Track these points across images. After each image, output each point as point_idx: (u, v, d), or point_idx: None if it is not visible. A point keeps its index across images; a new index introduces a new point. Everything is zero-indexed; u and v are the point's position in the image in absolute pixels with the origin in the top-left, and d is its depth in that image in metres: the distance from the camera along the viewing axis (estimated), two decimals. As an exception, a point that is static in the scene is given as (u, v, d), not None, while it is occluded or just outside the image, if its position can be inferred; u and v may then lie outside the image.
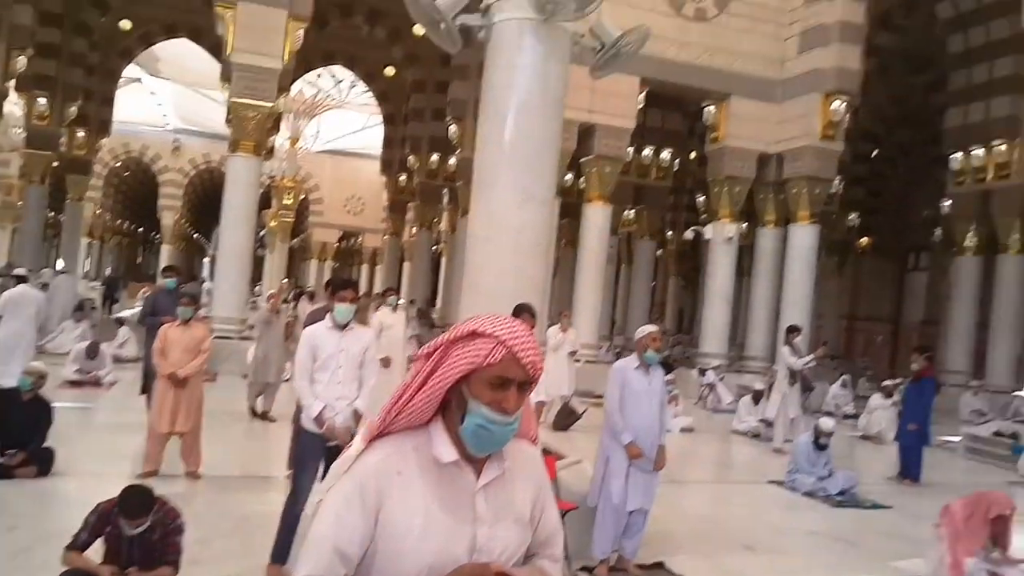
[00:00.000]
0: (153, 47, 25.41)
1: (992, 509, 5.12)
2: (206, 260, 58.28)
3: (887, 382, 13.30)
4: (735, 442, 11.58)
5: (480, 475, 1.42)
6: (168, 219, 39.72)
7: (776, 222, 16.26)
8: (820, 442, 8.23)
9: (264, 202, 22.03)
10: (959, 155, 17.00)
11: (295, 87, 24.28)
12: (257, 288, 27.47)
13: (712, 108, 15.76)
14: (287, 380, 8.90)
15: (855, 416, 13.78)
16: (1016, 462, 10.25)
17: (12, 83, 16.76)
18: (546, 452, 4.71)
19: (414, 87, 23.89)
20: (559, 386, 10.50)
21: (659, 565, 5.26)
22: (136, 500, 3.57)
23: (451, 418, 1.41)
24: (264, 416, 9.29)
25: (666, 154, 19.86)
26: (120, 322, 14.54)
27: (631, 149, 16.85)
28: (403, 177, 26.77)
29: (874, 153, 25.03)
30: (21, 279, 10.07)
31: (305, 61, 21.86)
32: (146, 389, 7.62)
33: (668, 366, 10.94)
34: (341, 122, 35.50)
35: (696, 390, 15.14)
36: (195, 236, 56.84)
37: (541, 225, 6.17)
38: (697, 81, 15.19)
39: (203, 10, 17.92)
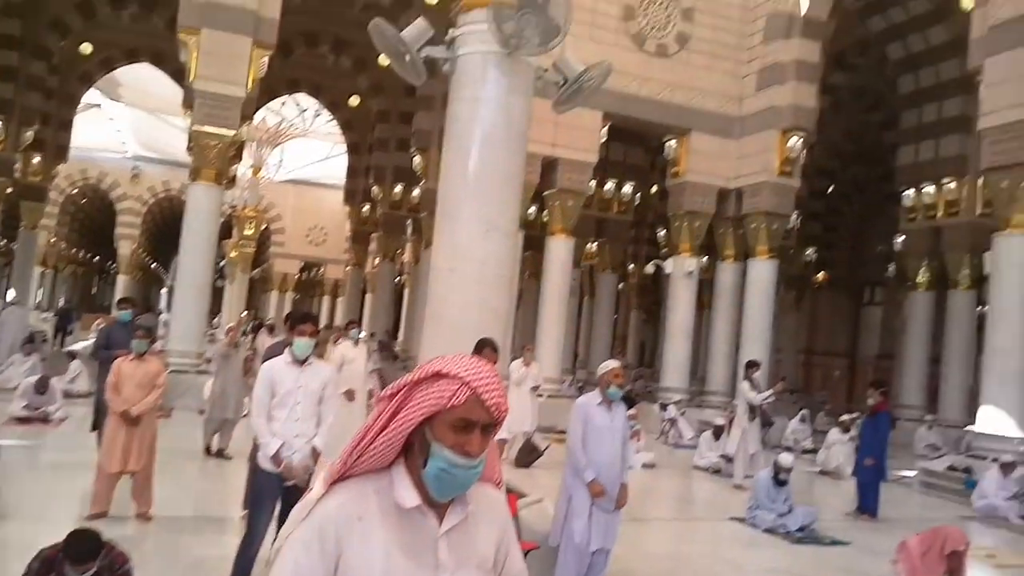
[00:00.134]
0: (114, 72, 25.10)
1: (948, 545, 5.17)
2: (164, 291, 57.18)
3: (844, 417, 13.46)
4: (696, 478, 11.58)
5: (443, 520, 1.37)
6: (125, 248, 38.93)
7: (736, 256, 16.49)
8: (780, 478, 8.25)
9: (225, 232, 21.75)
10: (911, 192, 17.48)
11: (258, 115, 24.15)
12: (216, 320, 27.00)
13: (673, 143, 16.02)
14: (245, 416, 8.70)
15: (814, 451, 13.90)
16: (969, 496, 10.39)
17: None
18: (508, 490, 4.64)
19: (379, 117, 23.93)
20: (521, 422, 10.42)
21: (622, 604, 5.20)
22: (82, 545, 3.41)
23: (414, 461, 1.37)
24: (220, 454, 9.04)
25: (628, 188, 20.11)
26: (72, 355, 14.12)
27: (593, 183, 17.02)
28: (367, 207, 26.66)
29: (830, 189, 25.64)
30: (-33, 309, 9.76)
31: (269, 89, 21.78)
32: (97, 426, 7.37)
33: (630, 400, 10.94)
34: (305, 151, 35.31)
35: (657, 425, 15.16)
36: (153, 266, 55.84)
37: (505, 257, 6.17)
38: (658, 116, 15.44)
39: (166, 36, 17.79)
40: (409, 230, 23.32)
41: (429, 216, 16.43)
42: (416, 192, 21.04)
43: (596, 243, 21.40)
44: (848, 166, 25.12)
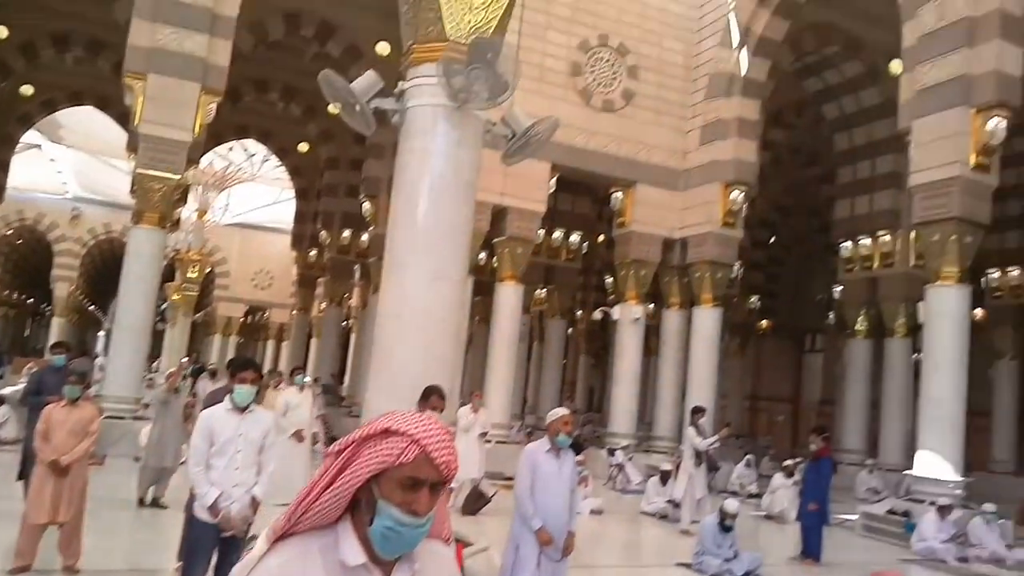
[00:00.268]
0: (56, 114, 24.67)
1: (888, 588, 5.27)
2: (101, 334, 55.47)
3: (788, 461, 13.67)
4: (643, 524, 11.60)
5: (389, 578, 1.36)
6: (62, 290, 37.72)
7: (681, 304, 16.79)
8: (725, 523, 8.33)
9: (168, 275, 21.33)
10: (848, 244, 18.09)
11: (205, 159, 23.93)
12: (155, 364, 26.27)
13: (619, 194, 16.36)
14: (183, 463, 8.45)
15: (759, 495, 14.05)
16: (909, 539, 10.61)
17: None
18: (455, 540, 4.61)
19: (328, 164, 23.91)
20: (468, 469, 10.32)
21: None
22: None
23: (360, 518, 1.35)
24: (155, 503, 8.74)
25: (576, 236, 20.39)
26: (0, 400, 13.57)
27: (542, 231, 17.26)
28: (314, 252, 26.47)
29: (771, 240, 26.39)
30: None
31: (217, 134, 21.64)
32: (24, 475, 7.08)
33: (579, 446, 10.96)
34: (252, 195, 35.05)
35: (605, 470, 15.17)
36: (90, 308, 54.19)
37: (452, 304, 6.20)
38: (605, 168, 15.79)
39: (112, 79, 17.61)
40: (357, 275, 23.19)
41: (378, 261, 16.41)
42: (365, 237, 20.99)
43: (545, 289, 21.58)
44: (788, 218, 25.95)
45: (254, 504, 4.35)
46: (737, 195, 15.38)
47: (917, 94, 11.38)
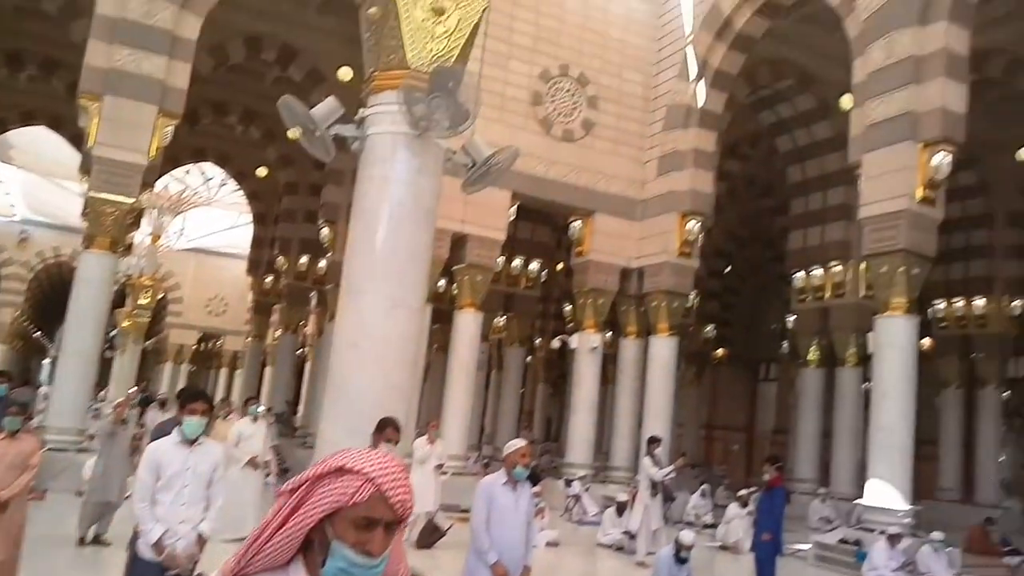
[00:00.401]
0: (5, 134, 24.10)
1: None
2: (46, 362, 53.76)
3: (742, 491, 13.75)
4: (600, 555, 11.53)
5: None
6: (6, 316, 36.54)
7: (638, 333, 16.90)
8: (681, 555, 8.29)
9: (118, 300, 20.81)
10: (801, 274, 18.43)
11: (161, 182, 23.54)
12: (102, 394, 25.51)
13: (578, 223, 16.48)
14: (128, 498, 8.17)
15: (714, 525, 14.09)
16: (860, 568, 10.71)
17: None
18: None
19: (287, 189, 23.70)
20: (424, 501, 10.17)
21: None
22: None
23: (313, 558, 1.31)
24: (97, 540, 8.40)
25: (535, 265, 20.45)
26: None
27: (502, 259, 17.28)
28: (270, 278, 26.10)
29: (727, 270, 26.80)
30: None
31: (174, 157, 21.34)
32: (-41, 509, 6.76)
33: (536, 477, 10.88)
34: (208, 220, 34.53)
35: (562, 501, 15.09)
36: (36, 335, 52.57)
37: (409, 334, 6.14)
38: (564, 198, 15.92)
39: (66, 99, 17.27)
40: (314, 302, 22.92)
41: (335, 288, 16.24)
42: (322, 263, 20.77)
43: (504, 317, 21.56)
44: (743, 248, 26.41)
45: (201, 541, 4.21)
46: (693, 225, 15.60)
47: (867, 129, 11.70)
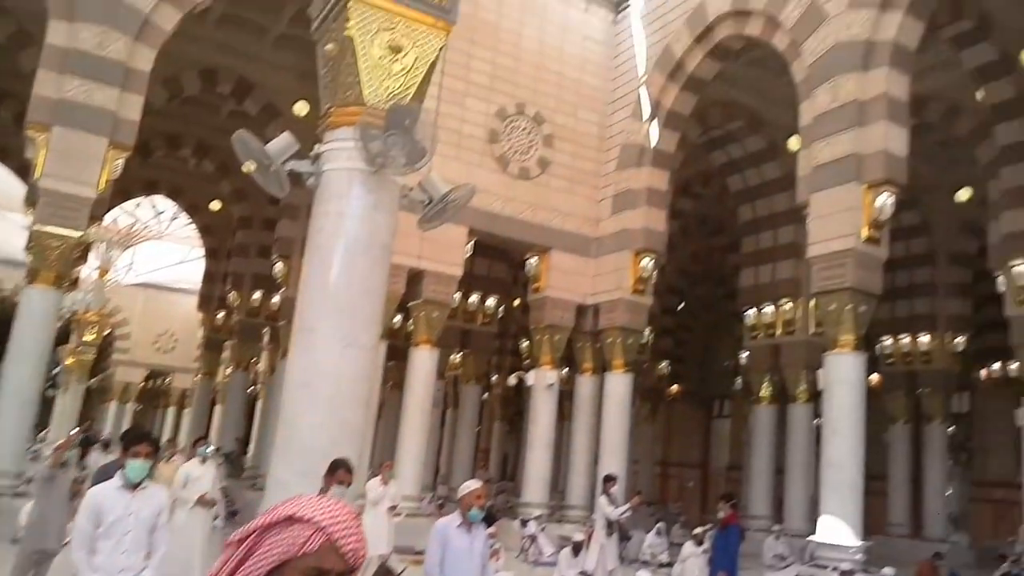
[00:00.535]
0: (-55, 164, 23.39)
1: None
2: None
3: (698, 529, 13.74)
4: (557, 594, 11.38)
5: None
6: (-59, 352, 35.22)
7: (594, 370, 16.93)
8: (638, 593, 8.26)
9: (62, 336, 20.19)
10: (752, 311, 18.72)
11: (110, 215, 23.06)
12: (42, 435, 24.59)
13: (535, 260, 16.56)
14: (67, 544, 7.83)
15: (670, 564, 14.03)
16: (815, 605, 10.75)
17: None
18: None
19: (241, 223, 23.38)
20: (377, 543, 9.97)
21: None
22: None
23: None
24: (32, 587, 8.02)
25: (492, 301, 20.43)
26: None
27: (458, 295, 17.24)
28: (222, 314, 25.60)
29: (680, 306, 27.11)
30: None
31: (124, 189, 20.96)
32: None
33: (491, 517, 10.75)
34: (158, 254, 33.88)
35: (518, 542, 14.90)
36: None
37: (363, 372, 6.06)
38: (521, 234, 16.00)
39: (12, 130, 16.88)
40: (266, 338, 22.52)
41: (288, 324, 15.99)
42: (276, 299, 20.47)
43: (461, 354, 21.43)
44: (696, 285, 26.79)
45: (141, 589, 4.04)
46: (647, 262, 15.78)
47: (813, 170, 12.01)
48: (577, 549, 11.94)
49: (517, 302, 22.84)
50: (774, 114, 17.19)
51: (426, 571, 4.85)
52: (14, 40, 15.46)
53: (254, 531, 1.27)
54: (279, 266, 18.04)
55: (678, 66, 15.43)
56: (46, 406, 19.42)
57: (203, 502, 9.06)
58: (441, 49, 6.75)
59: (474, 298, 20.03)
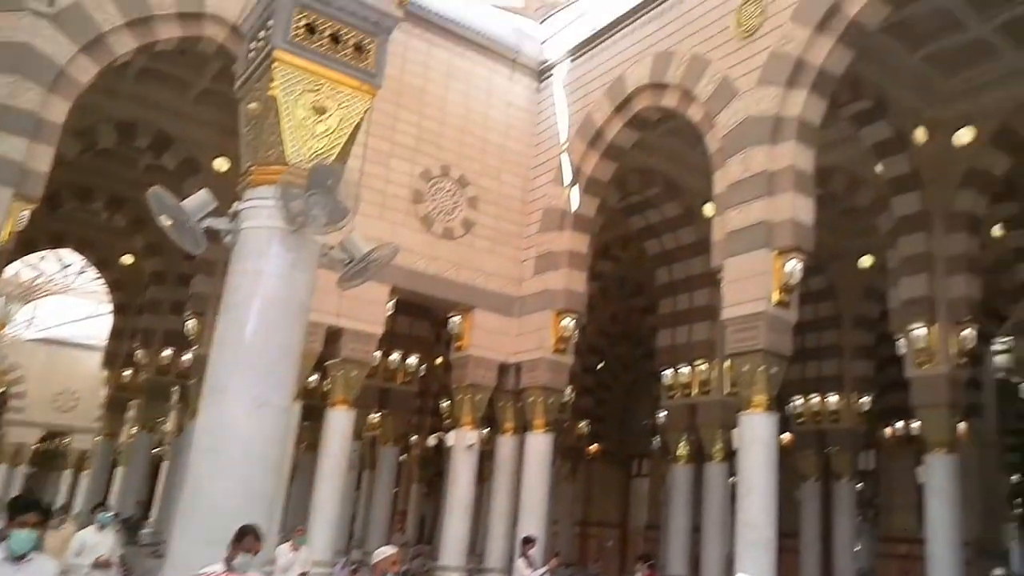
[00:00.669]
0: None
1: None
2: None
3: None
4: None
5: None
6: None
7: (515, 430, 16.86)
8: (557, 660, 8.13)
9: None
10: (670, 371, 19.03)
11: (12, 268, 22.00)
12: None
13: (458, 319, 16.54)
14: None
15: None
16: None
17: None
18: None
19: (153, 278, 22.62)
20: (288, 611, 9.57)
21: None
22: None
23: None
24: None
25: (413, 359, 20.22)
26: None
27: (379, 353, 17.00)
28: (128, 372, 24.52)
29: (600, 366, 27.42)
30: None
31: (29, 241, 20.09)
32: None
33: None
34: (63, 309, 32.37)
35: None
36: None
37: (275, 435, 5.89)
38: (444, 293, 16.00)
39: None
40: (175, 397, 21.65)
41: (199, 383, 15.43)
42: (188, 357, 19.76)
43: (379, 414, 21.04)
44: (616, 345, 27.19)
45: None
46: (568, 322, 15.97)
47: (727, 236, 12.46)
48: (496, 615, 11.72)
49: (439, 361, 22.67)
50: (690, 182, 17.85)
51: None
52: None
53: None
54: (192, 323, 17.47)
55: (598, 134, 15.93)
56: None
57: (99, 563, 8.53)
58: (366, 111, 6.81)
59: (395, 356, 19.77)
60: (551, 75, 17.74)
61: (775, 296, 11.83)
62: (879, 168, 15.14)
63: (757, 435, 12.05)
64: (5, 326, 25.85)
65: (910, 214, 14.67)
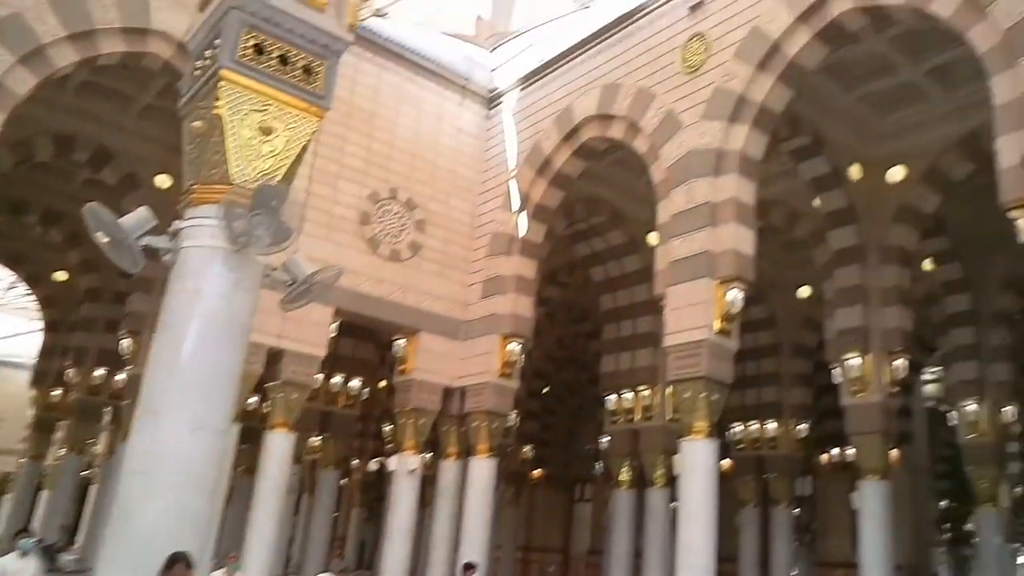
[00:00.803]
0: None
1: None
2: None
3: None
4: None
5: None
6: None
7: (458, 454, 16.75)
8: None
9: None
10: (613, 397, 19.18)
11: (-65, 282, 21.13)
12: None
13: (402, 341, 16.42)
14: None
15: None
16: None
17: None
18: None
19: (88, 295, 21.96)
20: (220, 640, 9.30)
21: None
22: None
23: None
24: None
25: (356, 382, 19.99)
26: None
27: (320, 376, 16.76)
28: (58, 391, 23.64)
29: (545, 390, 27.50)
30: None
31: (-46, 255, 19.33)
32: None
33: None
34: (-11, 325, 31.17)
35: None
36: None
37: (212, 458, 5.76)
38: (389, 316, 15.89)
39: None
40: (107, 418, 20.95)
41: (132, 404, 14.97)
42: (122, 376, 19.17)
43: (320, 438, 20.68)
44: (561, 370, 27.33)
45: None
46: (514, 347, 16.01)
47: (670, 264, 12.70)
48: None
49: (383, 384, 22.45)
50: (635, 211, 18.13)
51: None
52: None
53: None
54: (127, 342, 17.00)
55: (546, 163, 16.12)
56: None
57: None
58: (314, 133, 6.78)
59: (337, 379, 19.53)
60: (500, 103, 17.92)
61: (717, 324, 12.08)
62: (817, 202, 15.63)
63: (698, 461, 12.22)
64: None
65: (846, 247, 15.16)
